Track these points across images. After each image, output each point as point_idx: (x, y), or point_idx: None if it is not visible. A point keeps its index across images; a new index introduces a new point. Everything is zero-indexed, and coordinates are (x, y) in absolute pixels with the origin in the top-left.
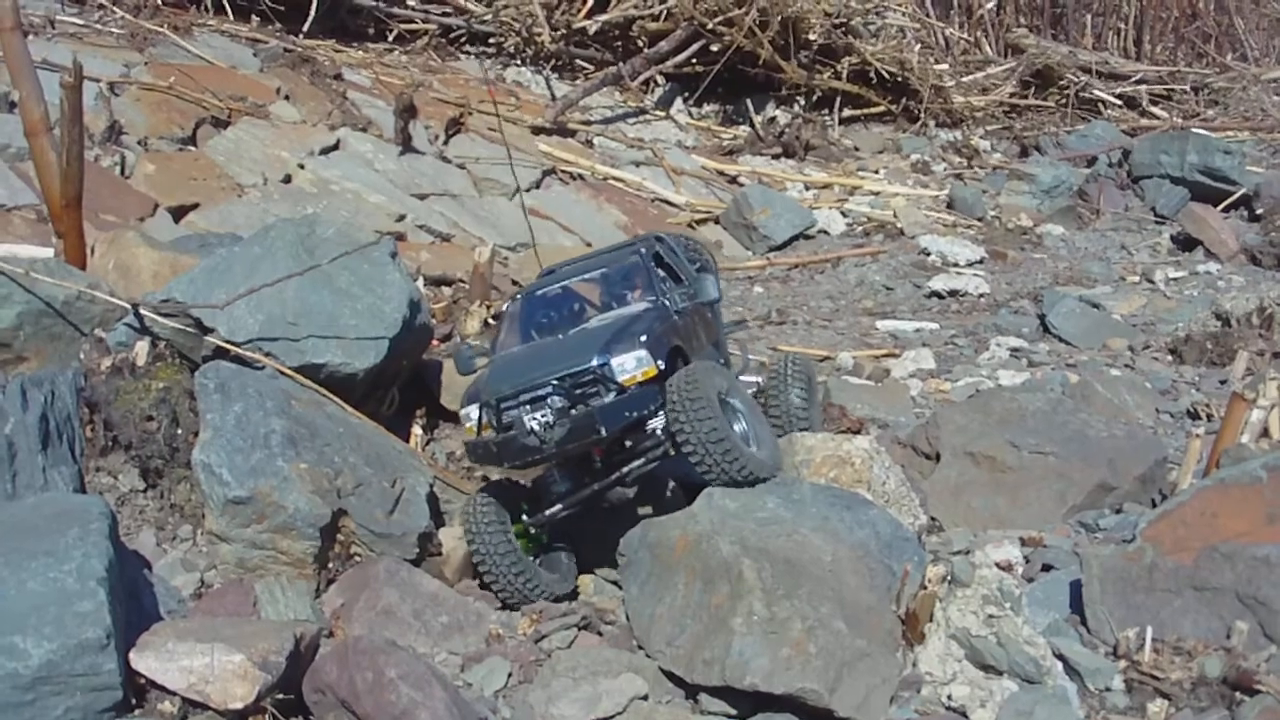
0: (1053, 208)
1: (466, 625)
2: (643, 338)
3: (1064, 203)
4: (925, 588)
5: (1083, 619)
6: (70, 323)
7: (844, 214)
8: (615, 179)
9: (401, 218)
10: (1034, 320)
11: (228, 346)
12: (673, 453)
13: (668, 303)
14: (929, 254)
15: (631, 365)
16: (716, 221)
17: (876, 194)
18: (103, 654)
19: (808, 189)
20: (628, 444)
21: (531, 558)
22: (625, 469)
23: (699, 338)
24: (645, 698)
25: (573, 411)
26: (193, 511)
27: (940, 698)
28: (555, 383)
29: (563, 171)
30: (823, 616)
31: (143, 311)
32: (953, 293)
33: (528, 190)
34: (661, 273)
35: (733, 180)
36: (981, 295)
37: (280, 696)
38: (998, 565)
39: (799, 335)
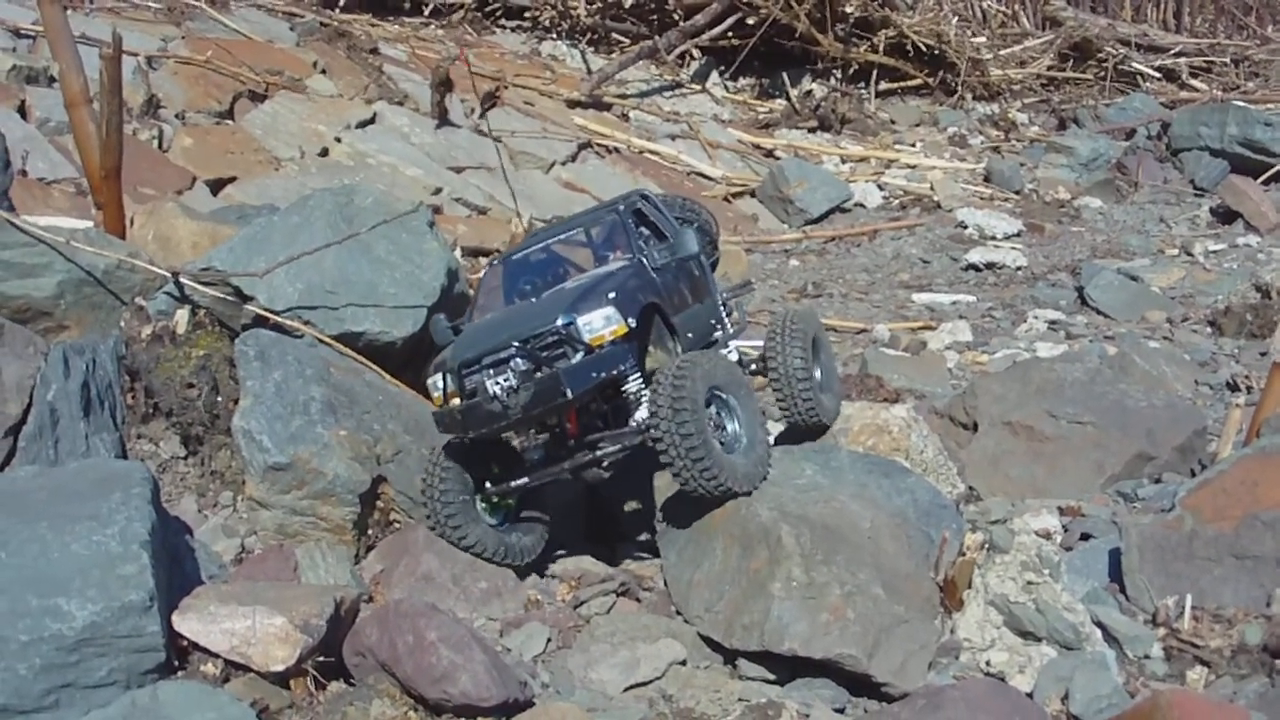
0: (1091, 181)
1: (505, 591)
2: (611, 294)
3: (1102, 176)
4: (964, 555)
5: (1122, 587)
6: (111, 291)
7: (880, 187)
8: (651, 152)
9: (438, 191)
10: (1072, 293)
11: (267, 315)
12: (650, 445)
13: (645, 259)
14: (966, 227)
15: (599, 324)
16: (752, 195)
17: (913, 167)
18: (145, 616)
19: (844, 162)
20: (601, 422)
21: (497, 522)
22: (599, 452)
23: (681, 295)
24: (684, 663)
25: (537, 374)
26: (233, 478)
27: (979, 664)
28: (518, 345)
29: (599, 145)
30: (861, 582)
31: (183, 280)
32: (990, 265)
33: (564, 163)
34: (644, 230)
35: (769, 154)
36: (1019, 268)
37: (321, 659)
38: (1036, 534)
39: (835, 308)
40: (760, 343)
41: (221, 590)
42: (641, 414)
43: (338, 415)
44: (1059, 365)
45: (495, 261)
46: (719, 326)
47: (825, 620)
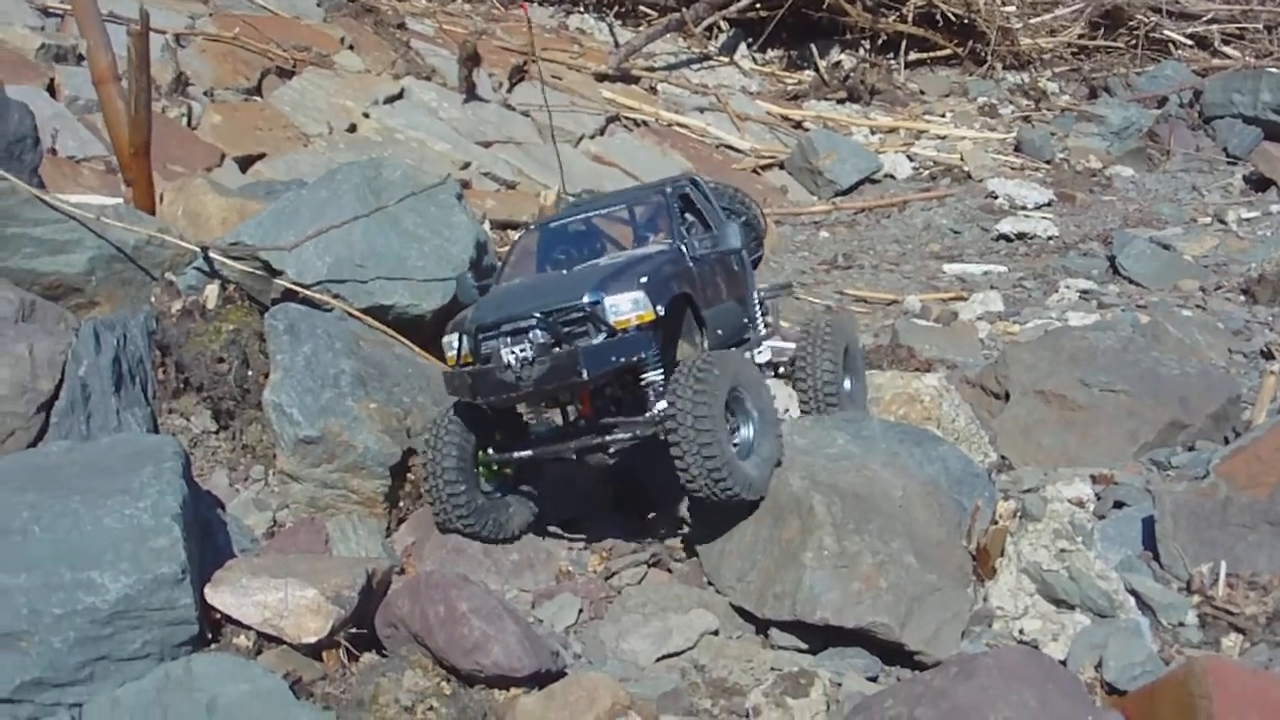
0: (1122, 149)
1: (537, 563)
2: (643, 279)
3: (1134, 144)
4: (996, 523)
5: (1155, 555)
6: (140, 267)
7: (910, 158)
8: (679, 125)
9: (466, 165)
10: (1103, 262)
11: (296, 288)
12: (662, 438)
13: (684, 248)
14: (996, 197)
15: (626, 307)
16: (781, 166)
17: (943, 138)
18: (178, 588)
19: (873, 133)
20: (615, 408)
21: (492, 489)
22: (609, 437)
23: (716, 288)
24: (716, 633)
25: (555, 349)
26: (264, 452)
27: (1012, 632)
28: (539, 316)
29: (626, 118)
30: (893, 551)
31: (212, 254)
32: (1021, 235)
33: (592, 137)
34: (688, 216)
35: (797, 125)
36: (1050, 238)
37: (353, 631)
38: (1069, 502)
39: (865, 279)
40: (793, 345)
41: (253, 563)
42: (660, 405)
43: (368, 388)
44: (1091, 334)
45: (532, 226)
46: (751, 326)
47: (857, 589)
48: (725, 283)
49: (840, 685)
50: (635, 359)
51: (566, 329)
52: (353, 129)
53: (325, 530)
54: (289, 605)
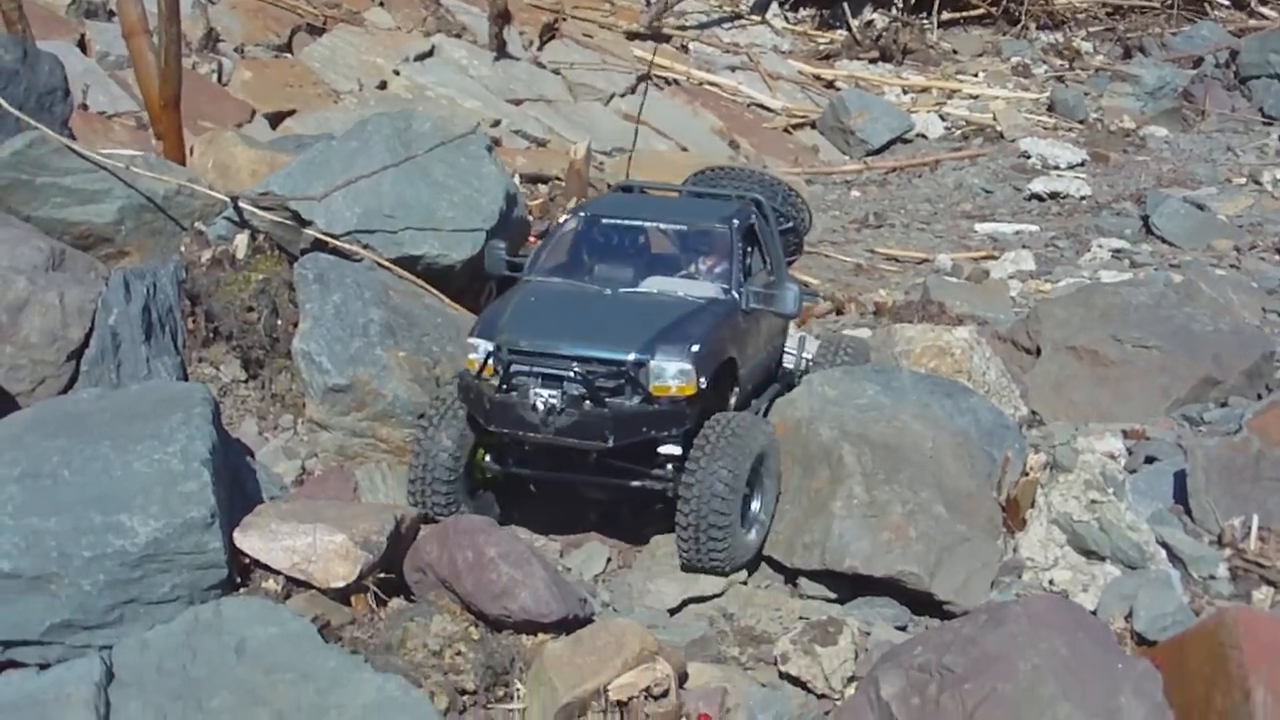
0: (1157, 110)
1: (566, 513)
2: (695, 347)
3: (1168, 104)
4: (1026, 474)
5: (1187, 509)
6: (170, 217)
7: (942, 118)
8: (711, 84)
9: (497, 123)
10: (1137, 222)
11: (326, 239)
12: (670, 495)
13: (738, 296)
14: (1029, 157)
15: (670, 375)
16: (813, 126)
17: (975, 97)
18: (207, 532)
19: (905, 93)
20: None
21: (478, 488)
22: (614, 480)
23: (756, 344)
24: (745, 582)
25: (585, 404)
26: (293, 401)
27: (1041, 583)
28: (577, 368)
29: (658, 77)
30: (923, 501)
31: (241, 204)
32: (1053, 195)
33: (622, 96)
34: (748, 249)
35: (829, 85)
36: (1083, 197)
37: (382, 576)
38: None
39: (896, 238)
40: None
41: (282, 508)
42: (671, 450)
43: (397, 337)
44: (1123, 289)
45: (581, 212)
46: (777, 371)
47: (887, 539)
48: (765, 333)
49: (869, 634)
50: (664, 434)
51: (601, 382)
52: (383, 86)
53: (354, 478)
54: (317, 550)
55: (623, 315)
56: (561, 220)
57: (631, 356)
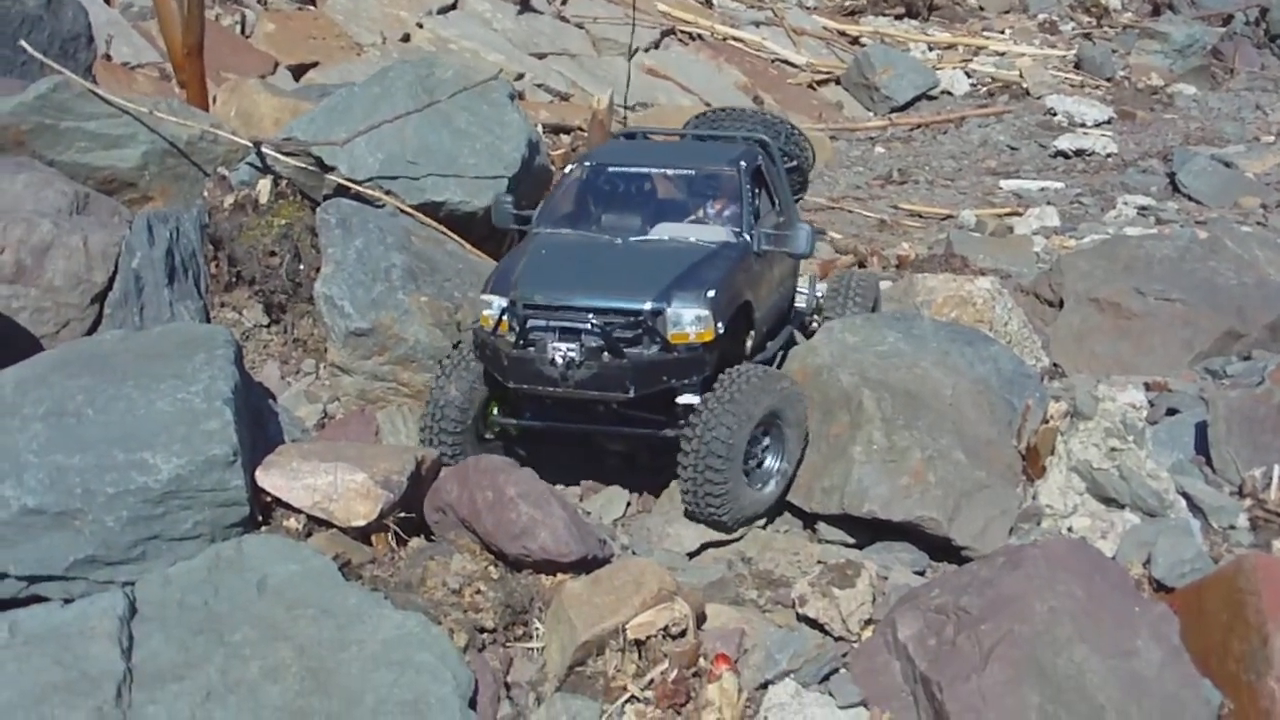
0: (1185, 67)
1: (587, 458)
2: (710, 292)
3: (1197, 62)
4: (1047, 422)
5: (1207, 460)
6: (194, 163)
7: (968, 74)
8: (735, 39)
9: (520, 76)
10: (1163, 179)
11: (348, 184)
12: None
13: (750, 239)
14: (1055, 114)
15: (688, 322)
16: (838, 82)
17: (1002, 54)
18: (229, 470)
19: (931, 49)
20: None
21: (490, 439)
22: (627, 429)
23: (770, 285)
24: (764, 526)
25: (604, 356)
26: (315, 345)
27: (1060, 530)
28: (594, 319)
29: (682, 31)
30: (942, 447)
31: (264, 150)
32: (1079, 152)
33: (646, 50)
34: (757, 190)
35: (854, 41)
36: (1109, 155)
37: (402, 515)
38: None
39: (920, 194)
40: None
41: (304, 448)
42: (690, 403)
43: (418, 282)
44: (1147, 243)
45: (586, 161)
46: (790, 313)
47: (906, 483)
48: (778, 274)
49: (887, 578)
50: (684, 383)
51: (620, 333)
52: (406, 39)
53: (375, 422)
54: (339, 489)
55: (636, 264)
56: (567, 170)
57: (648, 305)
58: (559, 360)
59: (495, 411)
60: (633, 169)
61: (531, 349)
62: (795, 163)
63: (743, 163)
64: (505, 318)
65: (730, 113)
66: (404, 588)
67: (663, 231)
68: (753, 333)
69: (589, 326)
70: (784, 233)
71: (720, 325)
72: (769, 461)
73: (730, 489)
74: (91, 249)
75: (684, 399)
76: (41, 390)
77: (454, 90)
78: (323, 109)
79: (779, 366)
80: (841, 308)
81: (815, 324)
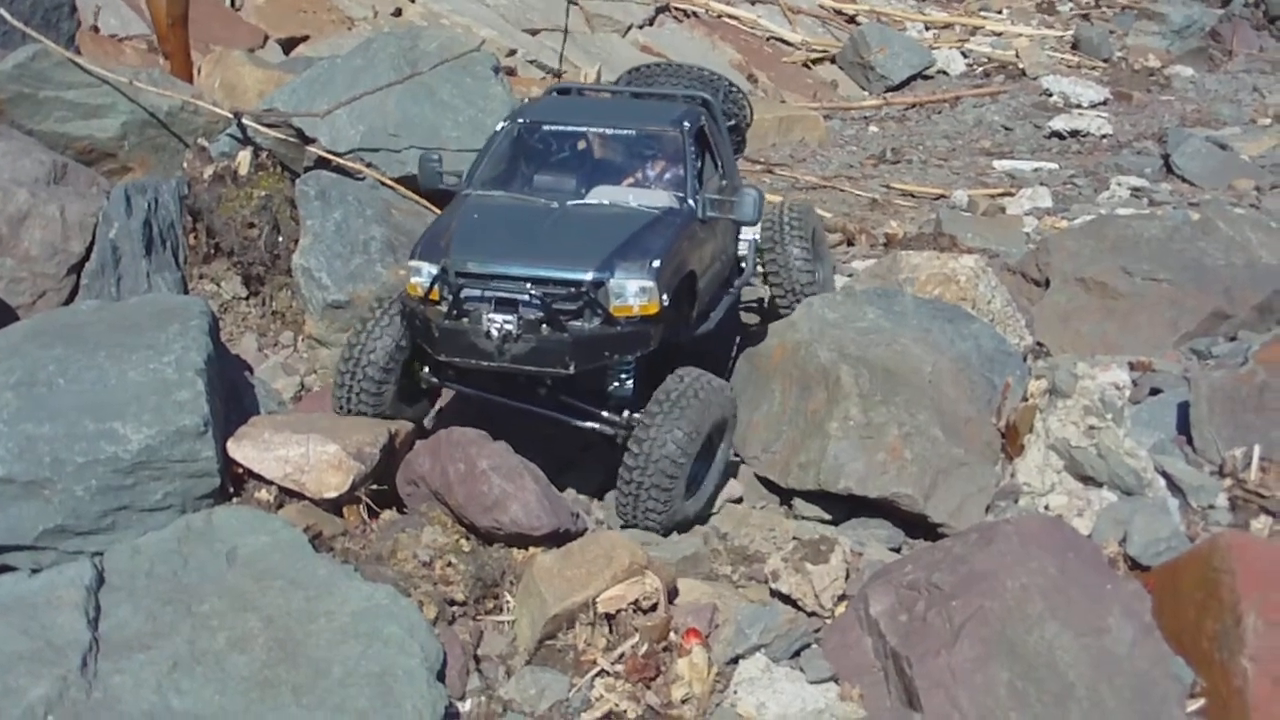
0: (1183, 49)
1: (562, 433)
2: (655, 262)
3: (1195, 43)
4: (1026, 400)
5: (1189, 440)
6: (174, 133)
7: (964, 54)
8: (730, 16)
9: (512, 52)
10: (1157, 160)
11: (329, 157)
12: (620, 443)
13: (694, 204)
14: (1051, 95)
15: (631, 294)
16: (833, 61)
17: (999, 34)
18: (200, 441)
19: (927, 29)
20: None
21: (411, 397)
22: (563, 417)
23: (713, 253)
24: (739, 501)
25: (543, 329)
26: (293, 318)
27: (1038, 507)
28: (532, 290)
29: (677, 8)
30: (920, 424)
31: (245, 121)
32: (1074, 133)
33: (640, 27)
34: (700, 153)
35: (850, 19)
36: (1104, 136)
37: (374, 488)
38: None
39: (913, 174)
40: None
41: (277, 420)
42: (622, 395)
43: (398, 255)
44: (1135, 222)
45: (520, 119)
46: (732, 280)
47: (882, 460)
48: (721, 244)
49: (861, 555)
50: (625, 359)
51: (559, 305)
52: (398, 13)
53: None
54: (310, 460)
55: (575, 231)
56: (498, 128)
57: (589, 276)
58: (494, 333)
59: (424, 370)
60: (568, 128)
61: (465, 320)
62: (734, 121)
63: (685, 123)
64: (436, 286)
65: (664, 67)
66: (374, 560)
67: (601, 195)
68: (695, 304)
69: (527, 298)
70: (729, 199)
71: (665, 298)
72: (703, 477)
73: (674, 502)
74: (69, 219)
75: (615, 387)
76: (14, 360)
77: (437, 62)
78: (304, 80)
79: (725, 334)
80: (780, 244)
81: (760, 268)
